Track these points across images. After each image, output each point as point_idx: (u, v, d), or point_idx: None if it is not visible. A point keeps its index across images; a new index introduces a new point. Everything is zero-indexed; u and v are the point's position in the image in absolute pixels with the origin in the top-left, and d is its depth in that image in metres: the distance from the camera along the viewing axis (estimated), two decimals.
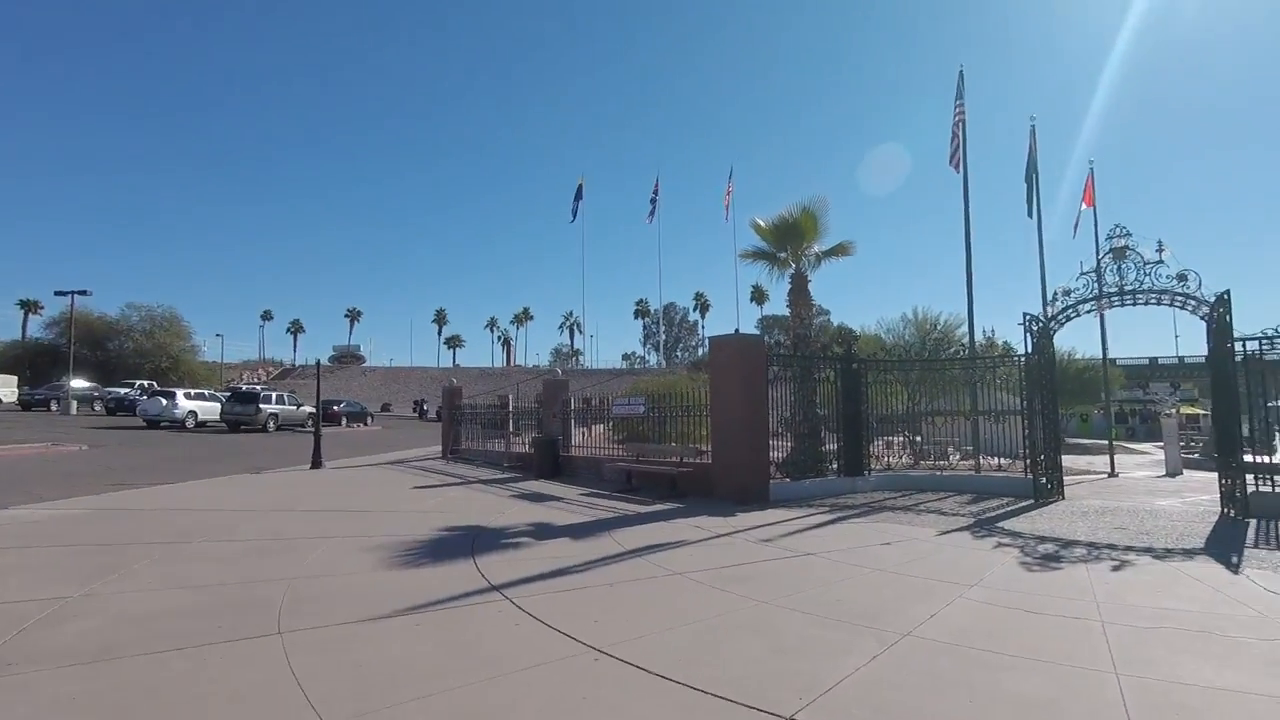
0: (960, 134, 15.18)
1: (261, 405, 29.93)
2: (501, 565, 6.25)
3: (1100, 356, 22.49)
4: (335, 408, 36.94)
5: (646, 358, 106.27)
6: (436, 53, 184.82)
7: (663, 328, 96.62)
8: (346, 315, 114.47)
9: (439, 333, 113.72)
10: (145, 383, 43.17)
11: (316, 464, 16.32)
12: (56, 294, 42.48)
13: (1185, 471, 17.63)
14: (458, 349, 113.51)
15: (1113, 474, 16.73)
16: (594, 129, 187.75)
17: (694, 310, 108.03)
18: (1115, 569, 6.15)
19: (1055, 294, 11.39)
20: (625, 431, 15.22)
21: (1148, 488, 13.54)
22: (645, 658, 3.91)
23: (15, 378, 42.17)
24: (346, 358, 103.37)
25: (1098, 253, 18.33)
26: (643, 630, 4.45)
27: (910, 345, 16.71)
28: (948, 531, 8.04)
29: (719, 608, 5.00)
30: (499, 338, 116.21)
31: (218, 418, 30.10)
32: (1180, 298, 10.20)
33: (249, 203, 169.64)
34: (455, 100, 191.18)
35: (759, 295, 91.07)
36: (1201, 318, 10.01)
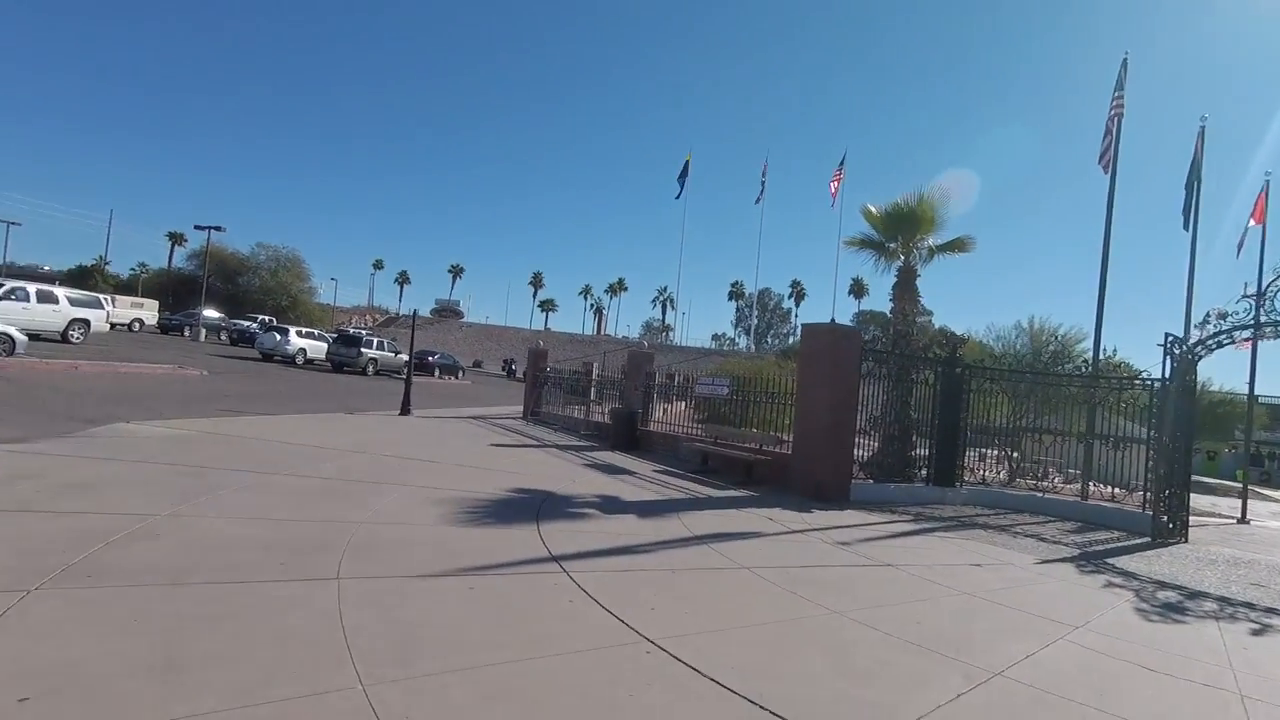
0: (1115, 130, 13.60)
1: (363, 349, 31.55)
2: (564, 536, 6.13)
3: (1239, 390, 20.04)
4: (429, 359, 38.47)
5: (736, 340, 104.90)
6: (563, 20, 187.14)
7: (755, 312, 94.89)
8: (450, 270, 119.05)
9: (534, 295, 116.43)
10: (264, 318, 46.57)
11: (405, 411, 16.99)
12: (196, 228, 46.27)
13: None
14: (551, 313, 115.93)
15: (1243, 520, 14.95)
16: (705, 105, 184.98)
17: (789, 298, 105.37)
18: (1255, 633, 5.32)
19: (1208, 315, 10.02)
20: (706, 412, 14.89)
21: None
22: (700, 658, 3.63)
23: (157, 303, 46.32)
24: (446, 311, 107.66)
25: (1259, 277, 16.26)
26: (701, 625, 4.18)
27: (1021, 355, 15.36)
28: (1049, 561, 7.28)
29: (786, 612, 4.65)
30: (592, 306, 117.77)
31: (324, 357, 31.98)
32: None
33: (369, 154, 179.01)
34: (577, 67, 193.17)
35: (858, 289, 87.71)
36: None
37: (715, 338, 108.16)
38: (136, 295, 53.54)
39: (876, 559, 6.52)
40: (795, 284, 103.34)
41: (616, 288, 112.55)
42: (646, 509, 7.99)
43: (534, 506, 7.27)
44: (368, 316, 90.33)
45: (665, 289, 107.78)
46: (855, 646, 4.14)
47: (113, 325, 38.57)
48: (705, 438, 12.85)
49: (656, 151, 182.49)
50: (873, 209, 12.21)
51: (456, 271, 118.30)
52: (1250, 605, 6.20)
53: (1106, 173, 13.22)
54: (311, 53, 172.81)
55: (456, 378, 40.34)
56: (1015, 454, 13.23)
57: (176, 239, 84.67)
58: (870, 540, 7.45)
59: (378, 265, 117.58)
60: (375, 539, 5.27)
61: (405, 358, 35.66)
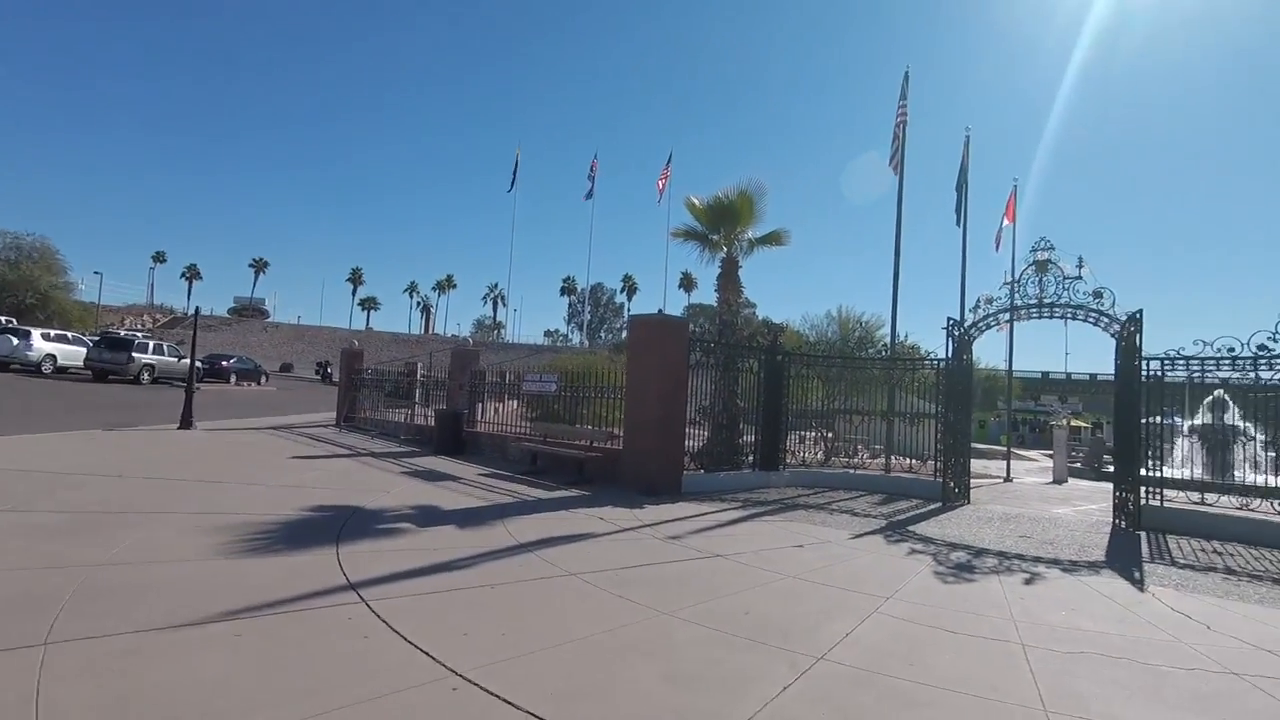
0: (901, 136, 15.06)
1: (135, 354, 27.05)
2: (368, 557, 5.39)
3: (1000, 367, 23.48)
4: (224, 363, 34.02)
5: (570, 336, 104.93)
6: (385, 12, 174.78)
7: (588, 307, 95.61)
8: (251, 265, 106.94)
9: (354, 293, 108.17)
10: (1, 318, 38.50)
11: (186, 424, 14.67)
12: None
13: (1070, 480, 18.57)
14: (373, 311, 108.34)
15: (1008, 479, 17.32)
16: (532, 100, 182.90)
17: (621, 292, 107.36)
18: (1027, 582, 5.93)
19: (978, 301, 11.38)
20: (540, 410, 14.41)
21: (1041, 494, 13.96)
22: (515, 687, 3.21)
23: None
24: (248, 310, 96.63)
25: (1012, 268, 18.95)
26: (521, 648, 3.74)
27: (833, 342, 16.62)
28: (861, 535, 7.73)
29: (614, 619, 4.35)
30: (418, 304, 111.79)
31: (82, 364, 27.00)
32: (1094, 314, 10.33)
33: (141, 131, 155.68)
34: (390, 54, 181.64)
35: (687, 282, 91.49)
36: (1112, 335, 10.17)
37: (548, 334, 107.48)
38: None
39: (706, 550, 6.48)
40: (627, 279, 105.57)
41: (445, 285, 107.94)
42: (468, 517, 7.38)
43: (335, 526, 6.39)
44: (146, 316, 78.43)
45: (496, 285, 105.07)
46: (684, 649, 3.94)
47: None
48: (535, 437, 12.38)
49: (486, 147, 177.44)
50: (696, 202, 12.45)
51: (259, 266, 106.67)
52: (1021, 556, 6.98)
53: (896, 174, 14.61)
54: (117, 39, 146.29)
55: (259, 383, 36.10)
56: (830, 434, 14.23)
57: None
58: (701, 531, 7.44)
59: (159, 258, 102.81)
60: (115, 584, 4.22)
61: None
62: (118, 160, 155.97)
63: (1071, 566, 6.66)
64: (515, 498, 8.93)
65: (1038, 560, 6.86)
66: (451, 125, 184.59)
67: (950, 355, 11.19)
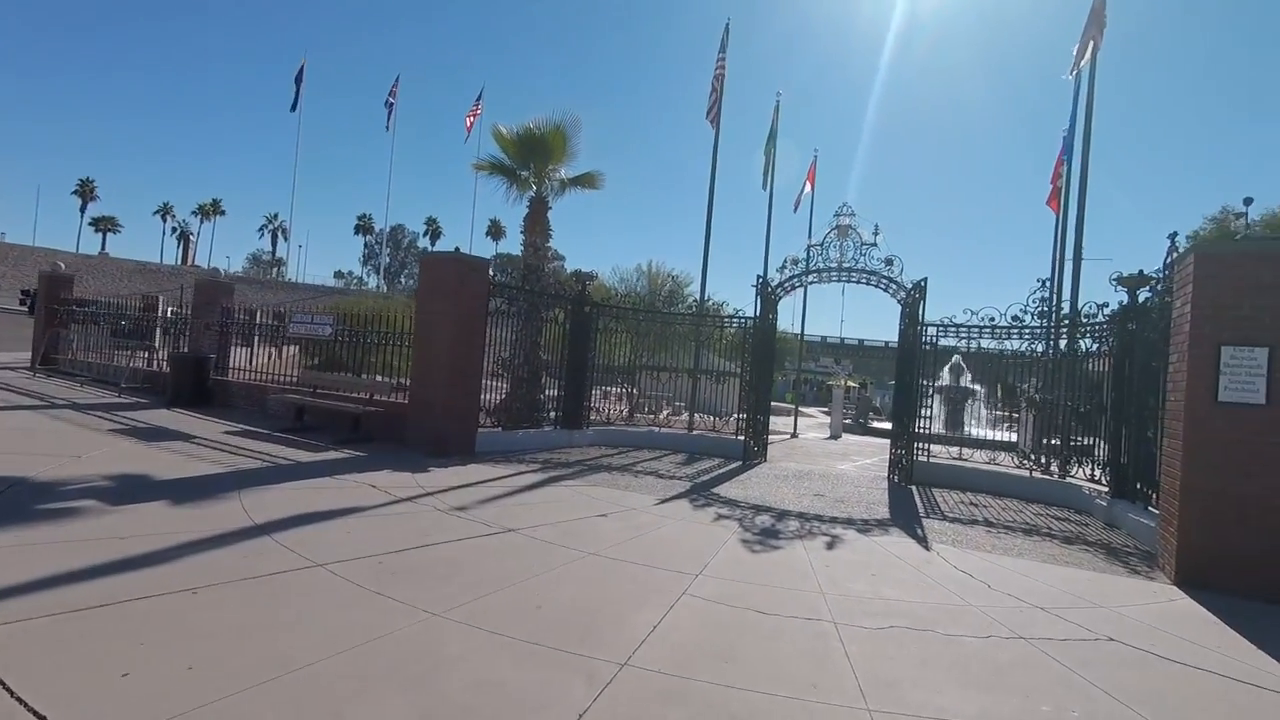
0: (719, 90, 14.82)
1: None
2: (11, 555, 3.74)
3: (789, 330, 25.14)
4: None
5: (365, 279, 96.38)
6: None
7: (387, 249, 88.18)
8: None
9: (82, 209, 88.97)
10: None
11: None
12: None
13: (844, 435, 20.46)
14: (111, 234, 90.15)
15: (794, 435, 18.55)
16: (328, 14, 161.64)
17: (424, 236, 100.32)
18: (829, 546, 5.83)
19: (785, 262, 11.51)
20: (324, 358, 12.31)
21: (824, 450, 14.98)
22: None
23: None
24: None
25: (809, 231, 20.17)
26: (207, 693, 2.58)
27: (642, 296, 16.27)
28: (667, 499, 7.31)
29: (365, 629, 3.31)
30: (174, 230, 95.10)
31: None
32: (885, 280, 10.88)
33: None
34: None
35: (495, 230, 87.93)
36: (898, 300, 10.80)
37: (340, 275, 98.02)
38: None
39: (497, 524, 5.57)
40: (431, 221, 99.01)
41: (210, 210, 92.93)
42: (191, 490, 5.74)
43: None
44: None
45: (276, 216, 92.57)
46: (454, 667, 3.03)
47: None
48: (303, 387, 10.49)
49: (265, 56, 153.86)
50: (504, 131, 11.08)
51: None
52: (819, 518, 7.00)
53: (713, 127, 14.38)
54: None
55: None
56: (634, 391, 13.94)
57: None
58: (493, 500, 6.51)
59: None
60: None
61: None
62: None
63: (865, 527, 6.77)
64: (266, 462, 7.29)
65: (834, 521, 6.90)
66: (219, 20, 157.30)
67: (758, 313, 11.25)
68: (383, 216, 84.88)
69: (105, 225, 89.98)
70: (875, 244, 10.94)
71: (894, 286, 10.81)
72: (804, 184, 20.93)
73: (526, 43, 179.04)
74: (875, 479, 10.32)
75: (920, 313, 10.13)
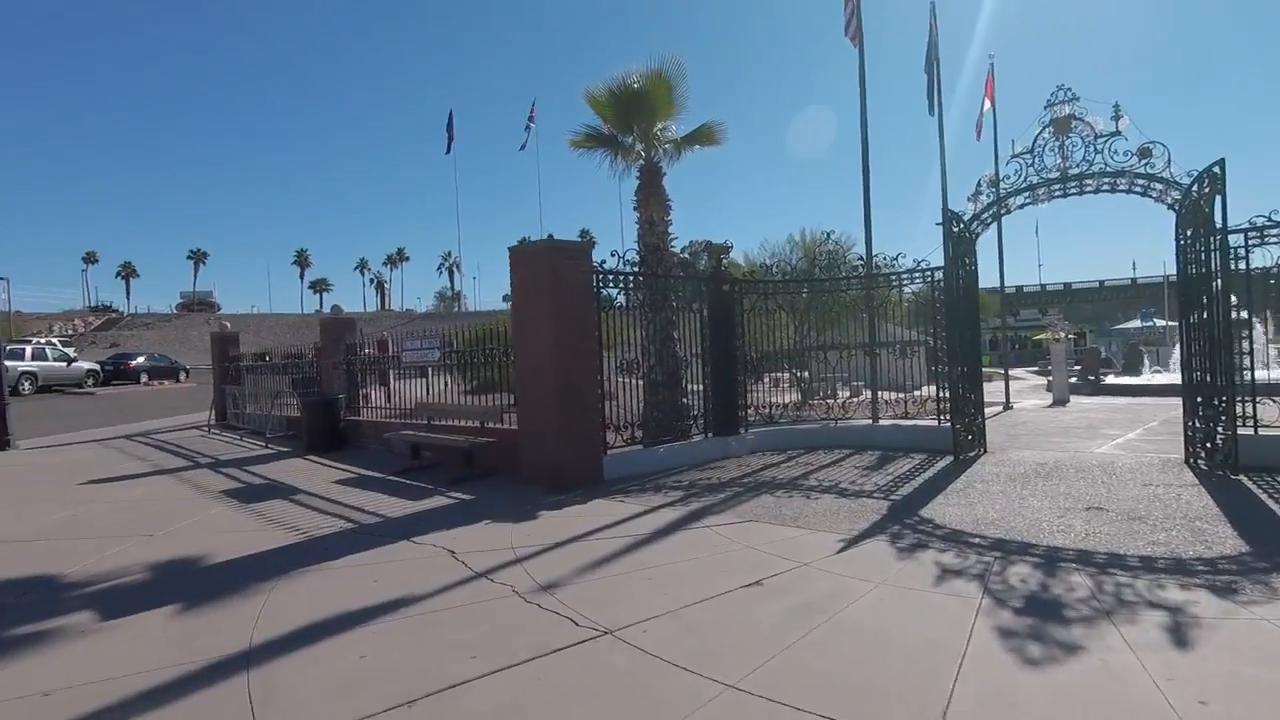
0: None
1: (7, 362, 23.39)
2: None
3: (990, 280, 20.86)
4: (130, 363, 30.41)
5: None
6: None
7: None
8: (190, 257, 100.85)
9: (302, 276, 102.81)
10: None
11: (3, 444, 11.62)
12: None
13: (1070, 398, 16.26)
14: (325, 293, 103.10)
15: (1008, 406, 14.92)
16: (461, 56, 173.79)
17: (614, 255, 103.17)
18: (1172, 633, 3.23)
19: (980, 185, 8.51)
20: (478, 381, 11.40)
21: (1058, 424, 11.49)
22: None
23: None
24: (197, 304, 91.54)
25: (996, 155, 16.21)
26: None
27: (798, 270, 13.68)
28: (856, 538, 4.99)
29: None
30: (371, 280, 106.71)
31: None
32: (1143, 181, 7.55)
33: (61, 134, 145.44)
34: (305, 26, 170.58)
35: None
36: (1170, 205, 7.43)
37: (506, 298, 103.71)
38: None
39: (592, 618, 3.69)
40: (584, 233, 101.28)
41: (396, 258, 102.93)
42: (223, 582, 4.52)
43: None
44: (77, 321, 72.94)
45: (450, 254, 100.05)
46: None
47: None
48: (419, 420, 9.47)
49: (421, 111, 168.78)
50: (597, 93, 9.24)
51: (199, 257, 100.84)
52: (1119, 560, 4.31)
53: (855, 45, 11.54)
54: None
55: (177, 380, 32.49)
56: (804, 373, 11.57)
57: None
58: (603, 564, 4.66)
59: (90, 259, 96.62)
60: None
61: (87, 366, 27.74)
62: (35, 166, 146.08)
63: (1210, 577, 3.99)
64: (349, 522, 6.08)
65: (1150, 569, 4.17)
66: (382, 95, 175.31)
67: (949, 260, 8.41)
68: (538, 233, 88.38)
69: (320, 287, 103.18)
70: (1118, 133, 7.63)
71: (1160, 186, 7.45)
72: (982, 101, 17.00)
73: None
74: (1166, 467, 7.11)
75: (1217, 213, 6.77)
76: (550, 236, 7.10)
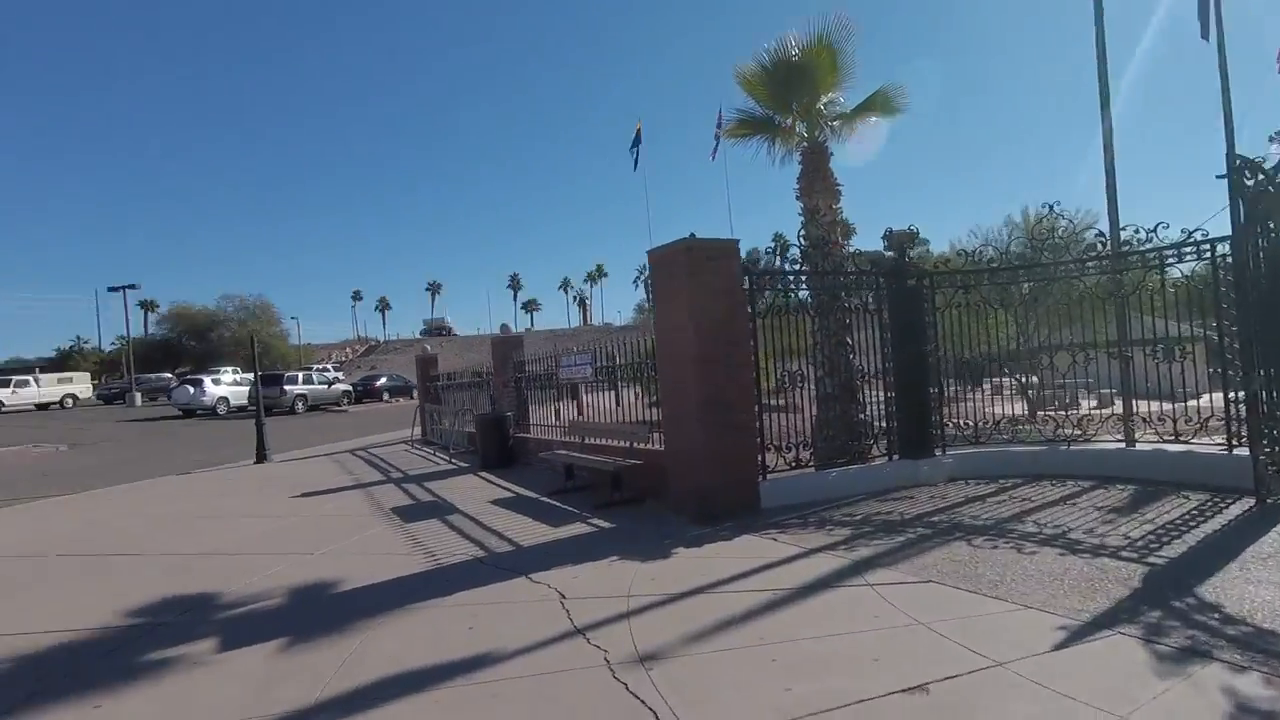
0: None
1: (286, 386, 28.19)
2: None
3: None
4: (376, 383, 35.12)
5: None
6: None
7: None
8: (428, 289, 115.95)
9: (514, 298, 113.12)
10: (181, 370, 43.59)
11: (260, 458, 13.58)
12: (110, 289, 43.40)
13: None
14: (535, 312, 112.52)
15: None
16: (649, 69, 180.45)
17: (771, 252, 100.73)
18: None
19: None
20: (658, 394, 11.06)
21: None
22: None
23: (88, 375, 43.49)
24: (436, 330, 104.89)
25: None
26: None
27: (1020, 258, 11.33)
28: (1087, 629, 3.46)
29: None
30: (574, 298, 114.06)
31: (248, 402, 28.67)
32: None
33: (333, 186, 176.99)
34: (508, 59, 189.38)
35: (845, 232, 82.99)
36: None
37: None
38: (125, 370, 49.90)
39: (681, 715, 2.82)
40: (778, 238, 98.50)
41: (595, 275, 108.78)
42: (337, 615, 4.38)
43: (95, 659, 3.69)
44: (347, 349, 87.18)
45: (644, 267, 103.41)
46: None
47: (43, 405, 35.86)
48: (573, 439, 9.17)
49: (614, 127, 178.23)
50: (749, 71, 8.15)
51: (434, 289, 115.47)
52: None
53: None
54: (241, 106, 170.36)
55: (410, 397, 36.83)
56: (1028, 379, 9.49)
57: (148, 306, 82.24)
58: (722, 630, 3.73)
59: (356, 296, 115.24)
60: None
61: (342, 387, 32.40)
62: (310, 213, 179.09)
63: None
64: (481, 549, 5.80)
65: None
66: (588, 114, 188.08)
67: (1240, 225, 6.12)
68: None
69: (531, 307, 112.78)
70: None
71: None
72: None
73: None
74: None
75: None
76: (692, 235, 6.33)
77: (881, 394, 7.74)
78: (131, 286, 40.68)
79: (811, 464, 7.21)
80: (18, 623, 4.55)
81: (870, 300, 7.64)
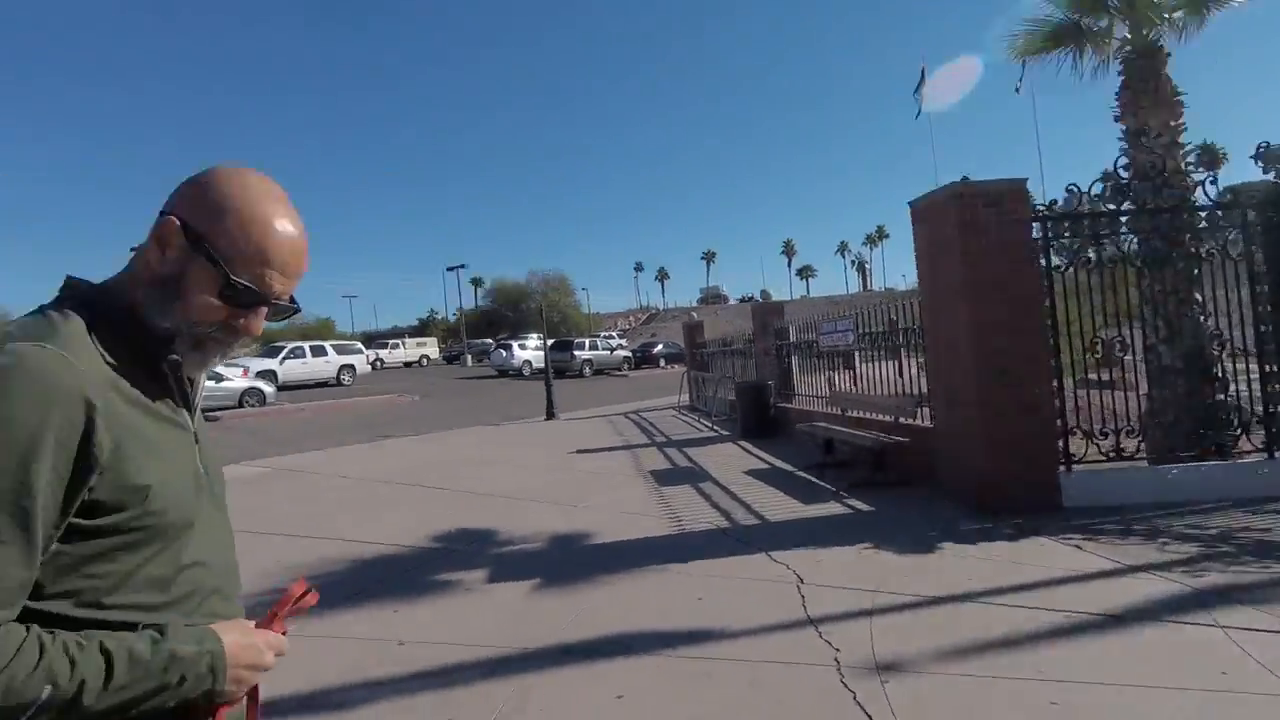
0: None
1: (575, 353, 31.48)
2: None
3: None
4: (653, 350, 37.42)
5: None
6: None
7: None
8: (703, 258, 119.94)
9: (789, 264, 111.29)
10: (500, 336, 51.07)
11: (550, 415, 15.45)
12: (447, 269, 52.77)
13: None
14: (811, 279, 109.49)
15: None
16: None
17: (1085, 192, 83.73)
18: None
19: None
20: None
21: None
22: None
23: (435, 339, 53.90)
24: (711, 298, 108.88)
25: None
26: None
27: None
28: None
29: None
30: (852, 262, 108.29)
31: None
32: None
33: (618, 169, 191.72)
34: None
35: (1196, 158, 65.33)
36: None
37: None
38: (460, 336, 62.01)
39: None
40: (1108, 174, 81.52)
41: (875, 238, 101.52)
42: (592, 563, 4.68)
43: (373, 576, 4.59)
44: (630, 318, 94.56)
45: None
46: None
47: (407, 364, 45.56)
48: (834, 411, 8.54)
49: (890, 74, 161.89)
50: None
51: (709, 257, 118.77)
52: None
53: None
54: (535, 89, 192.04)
55: (683, 364, 38.65)
56: None
57: (476, 283, 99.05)
58: (986, 651, 3.09)
59: (638, 267, 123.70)
60: None
61: (623, 354, 35.12)
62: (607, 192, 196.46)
63: None
64: (728, 521, 5.73)
65: None
66: (847, 60, 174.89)
67: None
68: (1039, 192, 74.95)
69: (807, 273, 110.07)
70: None
71: None
72: None
73: None
74: None
75: None
76: (965, 179, 5.33)
77: (1245, 368, 5.82)
78: (461, 266, 49.41)
79: (1141, 455, 5.72)
80: (364, 533, 5.73)
81: (1232, 242, 5.72)
